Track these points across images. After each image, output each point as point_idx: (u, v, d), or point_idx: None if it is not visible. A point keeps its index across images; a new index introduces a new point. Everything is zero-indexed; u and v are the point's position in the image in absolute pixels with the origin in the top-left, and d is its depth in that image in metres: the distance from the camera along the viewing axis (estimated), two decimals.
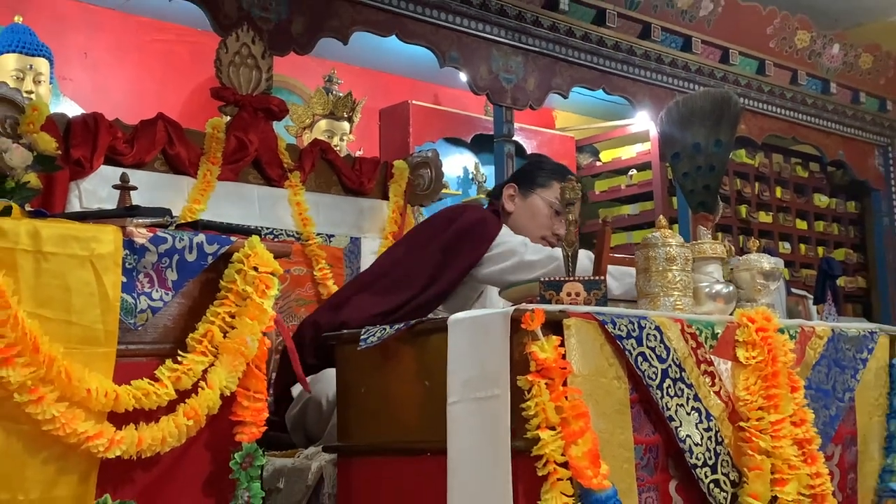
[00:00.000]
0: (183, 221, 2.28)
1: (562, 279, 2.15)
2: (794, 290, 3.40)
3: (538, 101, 4.29)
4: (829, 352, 2.51)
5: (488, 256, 2.84)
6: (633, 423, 2.01)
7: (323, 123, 5.12)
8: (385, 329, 2.18)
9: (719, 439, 2.15)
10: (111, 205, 2.70)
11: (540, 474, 1.84)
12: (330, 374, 2.76)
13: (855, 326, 2.69)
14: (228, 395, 2.01)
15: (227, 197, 3.47)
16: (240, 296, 2.03)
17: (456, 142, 5.93)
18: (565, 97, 4.48)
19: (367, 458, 2.25)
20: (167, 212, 2.09)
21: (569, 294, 2.11)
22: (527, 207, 3.07)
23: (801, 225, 5.94)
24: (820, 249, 5.95)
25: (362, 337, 2.20)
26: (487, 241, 2.85)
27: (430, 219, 3.13)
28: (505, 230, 2.92)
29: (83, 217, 1.99)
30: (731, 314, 2.37)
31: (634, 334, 2.02)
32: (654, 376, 2.03)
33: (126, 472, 1.90)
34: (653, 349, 2.05)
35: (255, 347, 2.03)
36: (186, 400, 1.94)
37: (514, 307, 1.94)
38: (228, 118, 3.60)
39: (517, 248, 2.83)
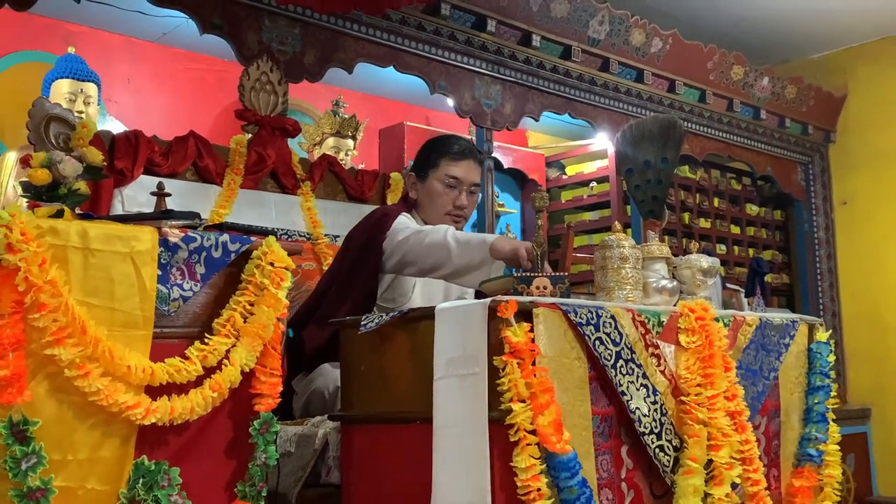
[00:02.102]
0: (210, 223, 2.28)
1: (532, 275, 2.15)
2: (728, 285, 3.41)
3: (513, 123, 4.29)
4: (757, 337, 2.52)
5: (385, 246, 2.66)
6: (591, 396, 2.02)
7: (331, 141, 5.11)
8: (382, 316, 2.18)
9: (664, 411, 2.15)
10: (149, 209, 2.69)
11: (512, 440, 1.84)
12: (327, 369, 2.74)
13: (779, 316, 2.70)
14: (248, 371, 2.01)
15: (248, 203, 3.47)
16: (258, 287, 2.03)
17: None
18: (536, 120, 4.48)
19: (366, 426, 2.25)
20: (197, 215, 2.09)
21: (538, 287, 2.12)
22: (426, 191, 2.84)
23: (735, 230, 5.96)
24: (751, 251, 5.96)
25: (362, 323, 2.20)
26: (384, 232, 2.68)
27: (356, 226, 2.93)
28: (399, 220, 2.71)
29: (125, 219, 1.98)
30: (674, 305, 2.38)
31: (593, 322, 2.02)
32: (609, 357, 2.04)
33: (160, 437, 1.90)
34: (608, 334, 2.05)
35: (272, 331, 2.03)
36: (212, 375, 1.94)
37: (491, 298, 1.95)
38: (250, 136, 3.60)
39: (393, 236, 2.64)
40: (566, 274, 2.24)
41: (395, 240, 2.65)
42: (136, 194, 3.15)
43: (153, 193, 2.49)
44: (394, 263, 2.67)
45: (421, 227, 2.69)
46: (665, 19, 4.91)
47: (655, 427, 2.12)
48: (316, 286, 2.99)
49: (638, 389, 2.10)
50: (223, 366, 1.96)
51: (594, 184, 5.85)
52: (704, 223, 5.73)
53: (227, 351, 1.97)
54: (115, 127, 4.24)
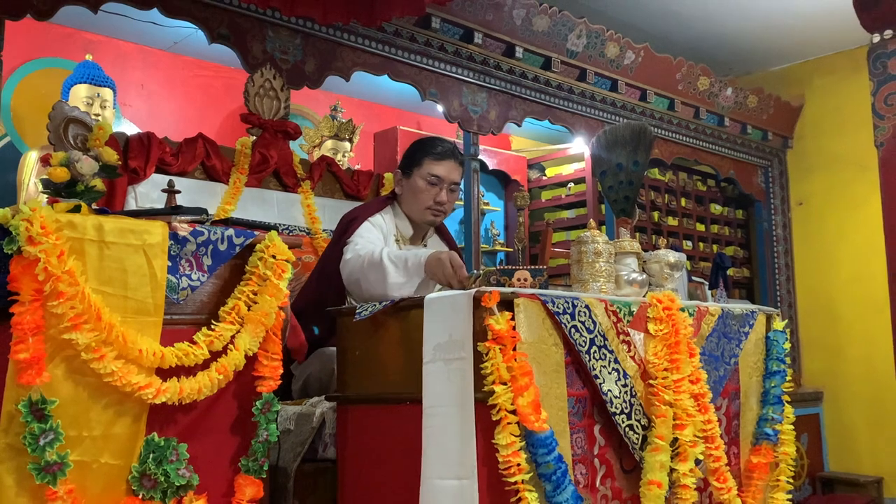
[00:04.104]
0: (216, 219, 2.27)
1: (513, 268, 2.15)
2: (693, 278, 3.42)
3: (498, 128, 4.29)
4: (720, 326, 2.54)
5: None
6: (567, 379, 2.02)
7: (329, 143, 5.09)
8: (375, 305, 2.18)
9: (633, 393, 2.16)
10: (160, 205, 2.68)
11: (495, 419, 1.85)
12: (324, 353, 2.72)
13: (740, 307, 2.72)
14: (251, 355, 2.01)
15: (252, 200, 3.46)
16: (261, 277, 2.03)
17: None
18: (519, 125, 4.48)
19: (360, 406, 2.25)
20: (204, 211, 2.08)
21: (518, 279, 2.12)
22: (409, 188, 2.77)
23: (700, 227, 5.98)
24: (714, 247, 5.98)
25: (357, 311, 2.20)
26: (347, 237, 2.65)
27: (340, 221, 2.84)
28: (360, 228, 2.66)
29: (138, 214, 1.98)
30: (644, 296, 2.39)
31: (569, 311, 2.03)
32: (583, 344, 2.05)
33: (170, 415, 1.90)
34: (583, 323, 2.06)
35: (273, 318, 2.03)
36: (218, 359, 1.94)
37: (476, 289, 1.95)
38: (254, 138, 3.58)
39: (345, 252, 2.59)
40: (545, 267, 2.25)
41: (343, 258, 2.58)
42: (149, 191, 3.13)
43: (164, 191, 2.49)
44: (345, 280, 2.57)
45: (363, 249, 2.53)
46: (638, 34, 4.92)
47: (625, 408, 2.13)
48: (305, 284, 2.97)
49: (610, 373, 2.10)
50: (228, 350, 1.96)
51: (571, 184, 5.86)
52: (672, 221, 5.75)
53: (232, 336, 1.97)
54: (130, 129, 4.22)
